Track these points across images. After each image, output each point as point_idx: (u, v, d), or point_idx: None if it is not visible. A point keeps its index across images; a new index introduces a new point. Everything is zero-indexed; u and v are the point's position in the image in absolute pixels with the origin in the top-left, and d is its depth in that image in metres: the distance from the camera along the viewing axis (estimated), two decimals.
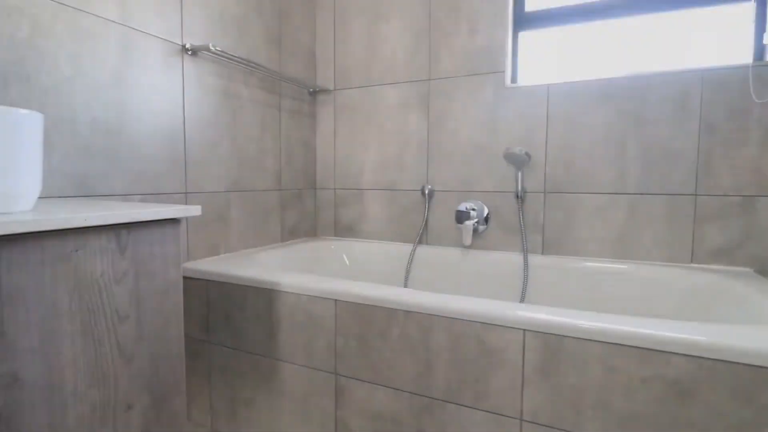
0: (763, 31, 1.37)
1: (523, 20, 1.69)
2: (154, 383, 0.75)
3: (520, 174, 1.59)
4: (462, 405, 0.97)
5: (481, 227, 1.69)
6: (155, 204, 0.81)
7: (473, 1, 1.68)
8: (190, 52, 1.38)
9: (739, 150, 1.34)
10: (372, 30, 1.88)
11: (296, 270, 1.72)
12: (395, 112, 1.85)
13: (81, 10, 1.06)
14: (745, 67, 1.33)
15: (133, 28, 1.20)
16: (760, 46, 1.38)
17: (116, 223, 0.67)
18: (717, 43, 1.45)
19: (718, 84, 1.36)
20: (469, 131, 1.71)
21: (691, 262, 1.41)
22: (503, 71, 1.64)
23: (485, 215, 1.69)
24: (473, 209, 1.70)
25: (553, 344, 0.87)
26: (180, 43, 1.34)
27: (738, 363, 0.75)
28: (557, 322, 0.86)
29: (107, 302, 0.67)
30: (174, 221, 0.78)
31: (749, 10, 1.41)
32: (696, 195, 1.39)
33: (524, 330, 0.90)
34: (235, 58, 1.46)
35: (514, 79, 1.70)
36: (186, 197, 1.40)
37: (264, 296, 1.22)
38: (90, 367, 0.65)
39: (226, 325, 1.30)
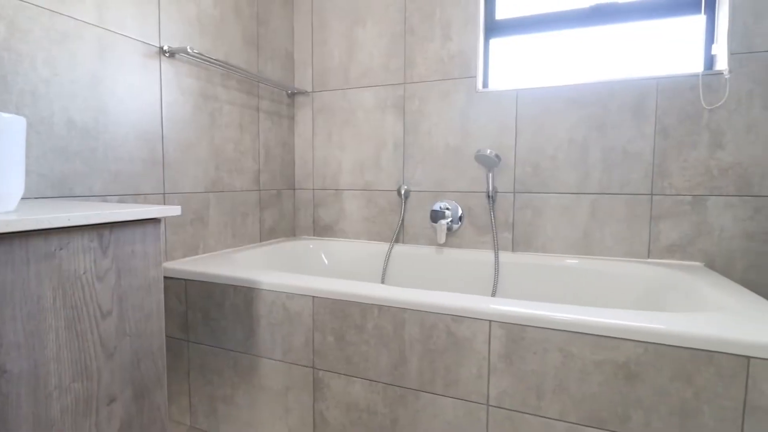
0: (712, 42, 1.48)
1: (494, 28, 1.76)
2: (136, 377, 0.78)
3: (490, 175, 1.66)
4: (434, 393, 1.03)
5: (455, 226, 1.76)
6: (136, 204, 0.84)
7: (446, 9, 1.74)
8: (167, 54, 1.39)
9: (690, 152, 1.45)
10: (349, 34, 1.92)
11: (275, 269, 1.75)
12: (372, 114, 1.90)
13: (58, 12, 1.07)
14: (696, 75, 1.44)
15: (111, 30, 1.21)
16: (709, 56, 1.49)
17: (98, 223, 0.70)
18: (672, 52, 1.55)
19: (671, 91, 1.46)
20: (443, 134, 1.78)
21: (648, 257, 1.51)
22: (475, 76, 1.71)
23: (459, 214, 1.76)
24: (447, 209, 1.77)
25: (516, 334, 0.94)
26: (157, 45, 1.36)
27: (679, 347, 0.83)
28: (520, 313, 0.93)
29: (90, 299, 0.70)
30: (155, 221, 0.81)
31: (700, 22, 1.52)
32: (652, 195, 1.49)
33: (490, 321, 0.96)
34: (213, 60, 1.48)
35: (485, 84, 1.77)
36: (164, 198, 1.42)
37: (243, 294, 1.25)
38: (73, 362, 0.68)
39: (205, 324, 1.32)
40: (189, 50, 1.37)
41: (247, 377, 1.27)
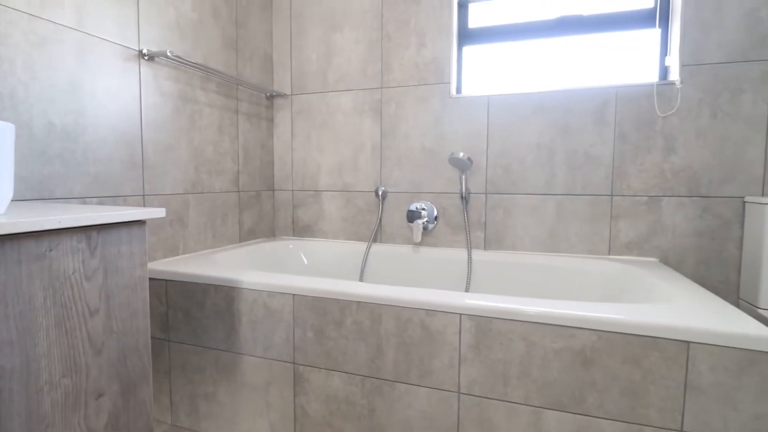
0: (666, 54, 1.60)
1: (467, 36, 1.84)
2: (122, 373, 0.81)
3: (464, 177, 1.74)
4: (408, 383, 1.09)
5: (431, 225, 1.83)
6: (123, 207, 0.87)
7: (421, 17, 1.81)
8: (146, 57, 1.41)
9: (646, 156, 1.56)
10: (328, 39, 1.97)
11: (255, 269, 1.78)
12: (350, 117, 1.96)
13: (37, 16, 1.08)
14: (651, 85, 1.55)
15: (90, 34, 1.22)
16: (664, 67, 1.61)
17: (87, 225, 0.73)
18: (630, 63, 1.67)
19: (629, 99, 1.57)
20: (419, 137, 1.84)
21: (609, 253, 1.62)
22: (449, 82, 1.79)
23: (434, 215, 1.83)
24: (423, 209, 1.84)
25: (484, 325, 1.01)
26: (137, 48, 1.37)
27: (628, 334, 0.91)
28: (487, 307, 1.00)
29: (79, 298, 0.73)
30: (140, 222, 0.84)
31: (656, 35, 1.63)
32: (612, 195, 1.60)
33: (460, 314, 1.03)
34: (192, 63, 1.50)
35: (458, 90, 1.85)
36: (144, 199, 1.43)
37: (224, 294, 1.29)
38: (63, 358, 0.71)
39: (186, 324, 1.35)
40: (168, 54, 1.39)
41: (229, 374, 1.30)
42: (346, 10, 1.92)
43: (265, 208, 2.07)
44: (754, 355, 0.84)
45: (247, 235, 1.95)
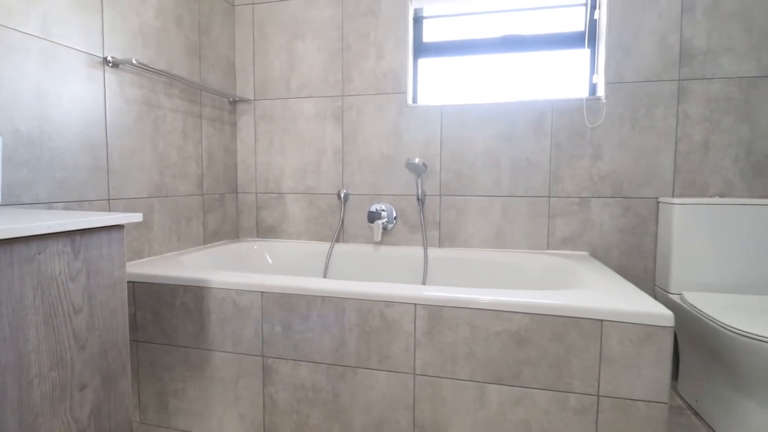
0: (594, 72, 1.82)
1: (422, 49, 1.99)
2: (103, 367, 0.88)
3: (419, 180, 1.88)
4: (369, 369, 1.21)
5: (390, 225, 1.96)
6: (103, 212, 0.93)
7: (379, 30, 1.93)
8: (111, 64, 1.44)
9: (577, 162, 1.77)
10: (289, 47, 2.05)
11: (221, 270, 1.83)
12: (313, 123, 2.05)
13: (3, 25, 1.10)
14: (581, 100, 1.75)
15: (55, 42, 1.24)
16: (592, 84, 1.83)
17: (71, 230, 0.79)
18: (565, 79, 1.87)
19: (563, 112, 1.77)
20: (378, 143, 1.97)
21: (547, 248, 1.81)
22: (405, 92, 1.92)
23: (393, 215, 1.96)
24: (383, 210, 1.96)
25: (436, 313, 1.15)
26: (101, 55, 1.40)
27: (554, 315, 1.08)
28: (438, 297, 1.14)
29: (64, 297, 0.79)
30: (119, 227, 0.90)
31: (586, 55, 1.84)
32: (549, 197, 1.80)
33: (415, 304, 1.16)
34: (156, 70, 1.54)
35: (414, 100, 1.99)
36: (109, 204, 1.46)
37: (193, 293, 1.35)
38: (51, 353, 0.77)
39: (155, 324, 1.39)
40: (134, 62, 1.42)
41: (199, 370, 1.36)
42: (307, 20, 2.01)
43: (228, 211, 2.12)
44: (652, 329, 1.03)
45: (212, 237, 2.00)
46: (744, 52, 1.63)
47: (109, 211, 1.45)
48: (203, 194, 1.93)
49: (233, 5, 2.10)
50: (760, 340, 1.18)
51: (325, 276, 1.97)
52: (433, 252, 1.88)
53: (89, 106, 1.37)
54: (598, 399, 1.06)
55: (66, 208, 1.30)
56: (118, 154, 1.49)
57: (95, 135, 1.39)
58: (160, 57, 1.65)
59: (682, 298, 1.52)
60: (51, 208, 1.25)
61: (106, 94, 1.43)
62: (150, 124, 1.62)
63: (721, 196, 1.67)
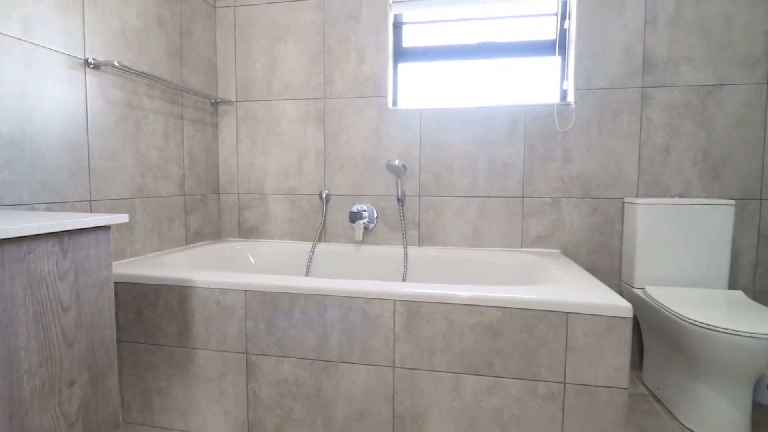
0: (564, 79, 1.91)
1: (402, 54, 2.04)
2: (91, 363, 0.90)
3: (399, 181, 1.94)
4: (351, 363, 1.26)
5: (371, 225, 2.01)
6: (90, 213, 0.95)
7: (360, 35, 1.98)
8: (92, 66, 1.44)
9: (549, 165, 1.86)
10: (271, 49, 2.08)
11: (204, 270, 1.85)
12: (295, 125, 2.08)
13: None
14: (552, 105, 1.84)
15: (37, 44, 1.25)
16: (563, 90, 1.92)
17: (60, 231, 0.81)
18: (538, 85, 1.96)
19: (535, 116, 1.86)
20: (359, 144, 2.02)
21: (521, 246, 1.90)
22: (385, 96, 1.98)
23: (374, 215, 2.01)
24: (364, 210, 2.01)
25: (414, 309, 1.20)
26: (82, 57, 1.41)
27: (524, 309, 1.15)
28: (416, 293, 1.20)
29: (53, 296, 0.81)
30: (105, 228, 0.93)
31: (557, 63, 1.94)
32: (523, 197, 1.88)
33: (394, 300, 1.21)
34: (137, 72, 1.55)
35: (394, 103, 2.05)
36: (90, 205, 1.47)
37: (177, 293, 1.37)
38: (40, 349, 0.79)
39: (138, 323, 1.41)
40: (116, 63, 1.43)
41: (183, 369, 1.39)
42: (289, 23, 2.05)
43: (210, 211, 2.14)
44: (613, 320, 1.11)
45: (194, 237, 2.01)
46: (702, 62, 1.75)
47: (91, 212, 1.46)
48: (185, 195, 1.94)
49: (214, 7, 2.12)
50: (713, 330, 1.28)
51: (307, 275, 2.01)
52: (413, 251, 1.94)
53: (71, 107, 1.37)
54: (564, 386, 1.14)
55: (48, 210, 1.30)
56: (100, 156, 1.49)
57: (77, 136, 1.40)
58: (141, 58, 1.66)
59: (645, 292, 1.62)
60: (33, 209, 1.25)
61: (88, 96, 1.44)
62: (131, 126, 1.62)
63: (681, 196, 1.78)
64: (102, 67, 1.48)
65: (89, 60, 1.42)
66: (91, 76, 1.45)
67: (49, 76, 1.30)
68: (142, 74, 1.56)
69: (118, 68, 1.49)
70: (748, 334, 1.24)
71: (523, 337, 1.16)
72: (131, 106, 1.62)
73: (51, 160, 1.31)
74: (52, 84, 1.31)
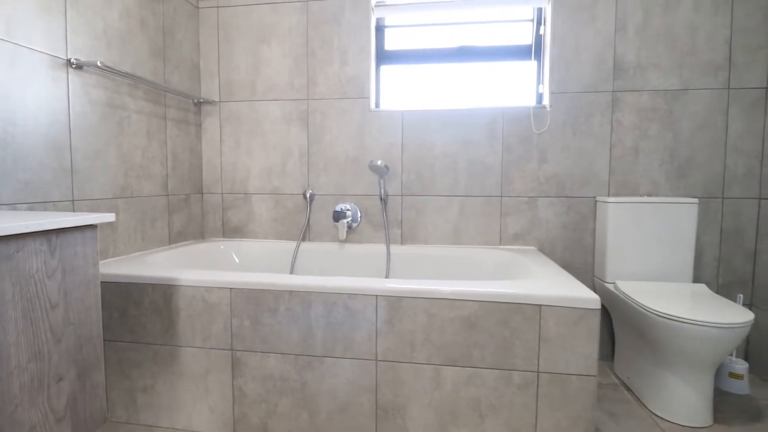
0: (540, 83, 1.98)
1: (384, 56, 2.09)
2: (79, 359, 0.92)
3: (382, 181, 1.99)
4: (335, 357, 1.30)
5: (354, 224, 2.05)
6: (77, 213, 0.97)
7: (343, 37, 2.02)
8: (75, 66, 1.45)
9: (526, 165, 1.93)
10: (255, 50, 2.10)
11: (189, 269, 1.85)
12: (278, 125, 2.11)
13: None
14: (529, 108, 1.91)
15: (19, 44, 1.25)
16: (539, 93, 1.99)
17: (48, 229, 0.83)
18: (516, 88, 2.03)
19: (513, 118, 1.93)
20: (343, 145, 2.05)
21: (500, 244, 1.96)
22: (368, 97, 2.02)
23: (358, 215, 2.05)
24: (348, 210, 2.05)
25: (395, 304, 1.25)
26: (65, 57, 1.41)
27: (500, 302, 1.21)
28: (397, 289, 1.24)
29: (41, 293, 0.83)
30: (92, 227, 0.95)
31: (533, 67, 2.01)
32: (501, 197, 1.95)
33: (377, 296, 1.26)
34: (120, 72, 1.56)
35: (377, 104, 2.09)
36: (73, 205, 1.47)
37: (162, 291, 1.38)
38: (29, 346, 0.81)
39: (123, 322, 1.42)
40: (99, 64, 1.44)
41: (168, 366, 1.40)
42: (273, 25, 2.07)
43: (194, 211, 2.14)
44: (583, 312, 1.18)
45: (177, 237, 2.01)
46: (668, 68, 1.84)
47: (74, 212, 1.46)
48: (168, 195, 1.95)
49: (197, 8, 2.13)
50: (677, 321, 1.36)
51: (291, 273, 2.03)
52: (396, 249, 1.99)
53: (53, 107, 1.38)
54: (538, 375, 1.20)
55: (30, 210, 1.30)
56: (83, 156, 1.49)
57: (59, 136, 1.40)
58: (124, 59, 1.66)
59: (616, 287, 1.71)
60: (15, 209, 1.25)
61: (70, 96, 1.44)
62: (114, 126, 1.63)
63: (649, 195, 1.87)
64: (85, 68, 1.48)
65: (72, 60, 1.43)
66: (74, 76, 1.45)
67: (32, 77, 1.30)
68: (125, 74, 1.57)
69: (101, 68, 1.49)
70: (710, 324, 1.33)
71: (499, 329, 1.21)
72: (114, 106, 1.62)
73: (33, 160, 1.31)
74: (35, 84, 1.31)
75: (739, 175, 1.82)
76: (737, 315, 1.36)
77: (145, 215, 1.80)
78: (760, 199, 1.82)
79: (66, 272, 0.88)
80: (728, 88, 1.81)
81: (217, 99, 2.15)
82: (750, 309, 1.84)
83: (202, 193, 2.20)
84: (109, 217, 0.96)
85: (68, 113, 1.43)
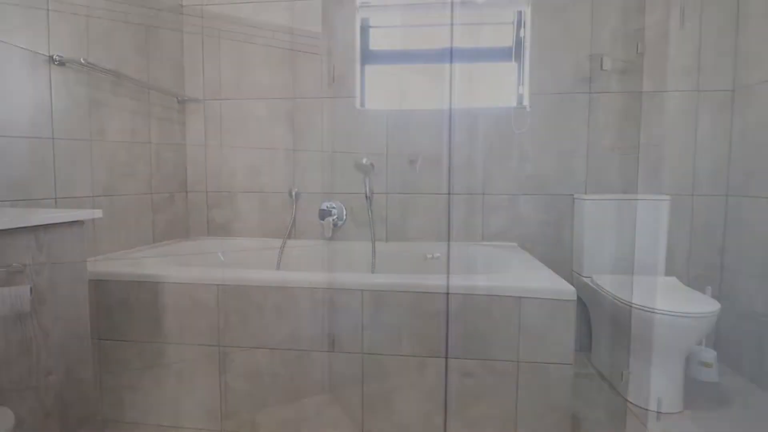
0: (520, 84, 2.04)
1: (368, 56, 2.12)
2: (66, 354, 0.93)
3: (367, 180, 2.02)
4: (322, 351, 1.32)
5: (340, 222, 2.08)
6: (64, 210, 0.97)
7: (328, 37, 2.04)
8: (57, 63, 1.44)
9: (507, 163, 1.99)
10: (240, 49, 2.10)
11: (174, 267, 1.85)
12: (264, 124, 2.12)
13: None
14: (510, 108, 1.97)
15: (0, 41, 1.24)
16: (519, 94, 2.05)
17: (36, 225, 0.84)
18: (498, 89, 2.09)
19: (495, 118, 1.98)
20: (328, 144, 2.08)
21: (482, 240, 2.02)
22: (354, 96, 2.05)
23: (343, 213, 2.08)
24: (333, 208, 2.08)
25: (379, 298, 1.28)
26: (47, 54, 1.40)
27: (482, 295, 1.25)
28: (380, 284, 1.28)
29: (31, 289, 0.84)
30: (79, 223, 0.96)
31: (514, 69, 2.07)
32: (483, 194, 2.00)
33: (362, 290, 1.29)
34: (103, 70, 1.55)
35: (362, 104, 2.12)
36: (56, 203, 1.45)
37: (149, 289, 1.39)
38: (19, 341, 0.81)
39: (108, 321, 1.41)
40: (82, 61, 1.43)
41: (155, 364, 1.41)
42: (258, 23, 2.08)
43: (178, 209, 2.14)
44: (559, 303, 1.23)
45: (161, 235, 2.00)
46: (643, 71, 1.92)
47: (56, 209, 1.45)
48: (152, 193, 1.94)
49: (182, 5, 2.12)
50: (650, 311, 1.43)
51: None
52: (381, 246, 2.02)
53: (35, 105, 1.36)
54: (518, 364, 1.25)
55: (12, 207, 1.29)
56: (65, 153, 1.48)
57: (42, 134, 1.39)
58: (107, 56, 1.65)
59: (592, 280, 1.77)
60: None
61: (53, 93, 1.43)
62: (97, 123, 1.62)
63: (624, 192, 1.95)
64: (67, 64, 1.47)
65: (54, 57, 1.42)
66: (56, 73, 1.44)
67: (14, 74, 1.29)
68: (108, 72, 1.56)
69: (84, 65, 1.49)
70: (680, 314, 1.40)
71: (482, 320, 1.26)
72: (97, 103, 1.61)
73: (16, 158, 1.30)
74: (17, 81, 1.30)
75: (707, 174, 1.91)
76: (705, 305, 1.44)
77: (129, 213, 1.79)
78: (727, 196, 1.91)
79: (54, 268, 0.89)
80: (698, 90, 1.90)
81: (201, 97, 2.15)
82: (718, 300, 1.94)
83: (187, 192, 2.20)
84: (97, 213, 0.97)
85: (51, 111, 1.42)
